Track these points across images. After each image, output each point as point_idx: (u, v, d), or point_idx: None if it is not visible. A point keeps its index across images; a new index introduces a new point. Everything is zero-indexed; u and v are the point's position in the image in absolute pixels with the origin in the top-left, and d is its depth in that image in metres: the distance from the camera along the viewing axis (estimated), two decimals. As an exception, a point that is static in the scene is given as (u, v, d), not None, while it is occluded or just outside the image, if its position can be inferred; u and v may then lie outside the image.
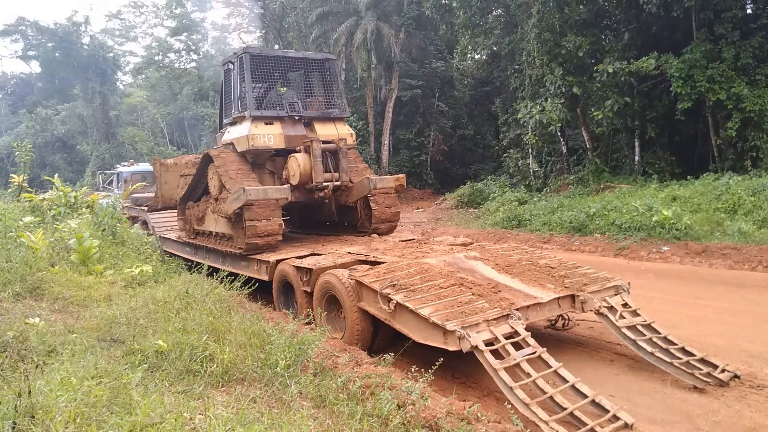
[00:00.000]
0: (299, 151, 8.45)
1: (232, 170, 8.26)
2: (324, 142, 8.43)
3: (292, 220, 7.81)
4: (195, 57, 48.24)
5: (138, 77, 52.32)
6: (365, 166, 9.58)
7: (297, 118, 8.76)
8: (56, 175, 14.31)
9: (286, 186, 7.99)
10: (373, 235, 8.62)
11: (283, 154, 8.67)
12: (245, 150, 8.39)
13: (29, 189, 14.38)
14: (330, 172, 8.49)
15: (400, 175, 9.00)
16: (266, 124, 8.48)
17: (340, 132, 8.96)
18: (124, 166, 20.31)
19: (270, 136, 8.39)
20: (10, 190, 17.12)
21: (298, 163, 8.32)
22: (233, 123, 9.00)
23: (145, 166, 21.23)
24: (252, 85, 8.53)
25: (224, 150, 8.92)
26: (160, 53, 47.96)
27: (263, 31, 35.76)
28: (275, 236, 7.73)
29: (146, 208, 12.55)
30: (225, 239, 8.60)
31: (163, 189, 11.32)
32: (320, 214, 9.86)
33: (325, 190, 8.49)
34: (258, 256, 7.72)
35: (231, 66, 8.99)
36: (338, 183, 8.57)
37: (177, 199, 10.51)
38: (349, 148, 8.95)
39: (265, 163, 8.85)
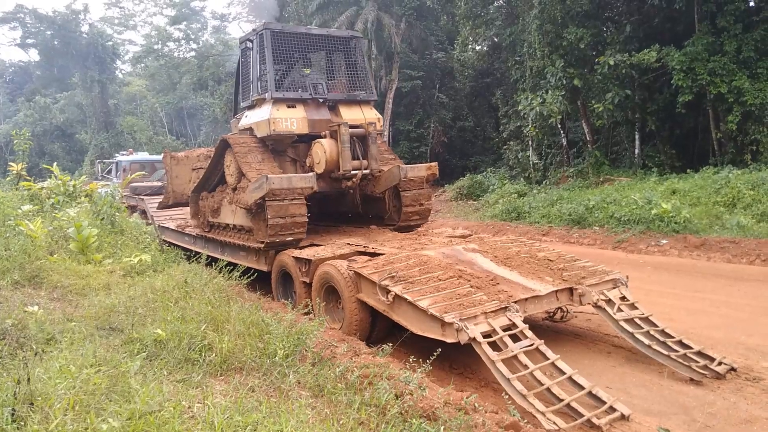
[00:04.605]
0: (324, 137, 7.84)
1: (252, 157, 7.71)
2: (351, 127, 7.78)
3: (311, 211, 7.42)
4: (194, 46, 47.99)
5: (137, 66, 52.08)
6: (392, 153, 8.98)
7: (321, 100, 8.15)
8: (55, 164, 14.26)
9: (311, 174, 7.40)
10: (372, 227, 8.54)
11: (306, 139, 8.09)
12: (266, 135, 7.81)
13: (28, 177, 14.32)
14: (358, 159, 7.82)
15: (432, 164, 8.39)
16: (288, 107, 7.86)
17: (367, 116, 8.32)
18: (123, 155, 20.24)
19: (293, 120, 7.78)
20: (8, 178, 17.08)
21: (323, 150, 7.69)
22: (251, 106, 8.44)
23: (144, 155, 21.21)
24: (273, 65, 7.95)
25: (243, 135, 8.36)
26: (160, 42, 47.65)
27: (263, 21, 35.52)
28: (300, 229, 7.21)
29: (156, 206, 11.98)
30: (243, 232, 8.06)
31: (174, 184, 10.75)
32: (343, 206, 9.27)
33: (353, 179, 7.81)
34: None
35: (249, 44, 8.41)
36: (367, 171, 7.88)
37: (189, 195, 9.97)
38: (378, 134, 8.29)
39: (286, 149, 8.28)
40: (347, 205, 9.19)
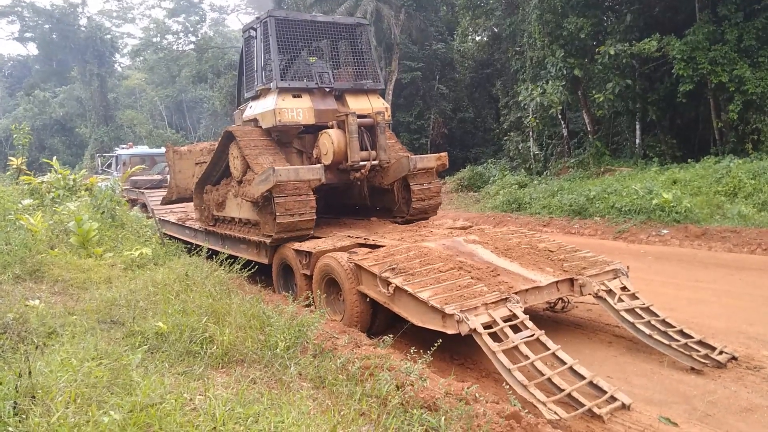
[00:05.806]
0: (331, 127, 7.61)
1: (257, 149, 7.50)
2: (359, 117, 7.53)
3: (317, 204, 7.33)
4: (193, 39, 47.77)
5: (136, 59, 51.83)
6: (400, 144, 8.78)
7: (327, 90, 7.91)
8: (55, 158, 14.29)
9: (319, 165, 7.17)
10: (373, 219, 8.51)
11: (312, 130, 7.86)
12: (271, 126, 7.58)
13: (28, 172, 14.34)
14: (366, 150, 7.57)
15: (442, 154, 8.16)
16: (294, 96, 7.63)
17: (374, 105, 8.05)
18: (123, 148, 20.24)
19: (299, 110, 7.55)
20: (8, 172, 17.09)
21: (331, 140, 7.44)
22: (256, 97, 8.20)
23: (144, 149, 21.20)
24: (278, 53, 7.70)
25: (247, 127, 8.12)
26: (158, 35, 47.45)
27: (262, 13, 35.33)
28: (308, 221, 7.01)
29: (160, 202, 11.77)
30: (250, 226, 7.87)
31: (177, 179, 10.54)
32: (350, 198, 9.06)
33: (362, 171, 7.56)
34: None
35: (253, 33, 8.14)
36: (375, 162, 7.62)
37: (192, 190, 9.72)
38: (386, 124, 8.03)
39: (292, 141, 8.04)
40: (354, 198, 8.99)
